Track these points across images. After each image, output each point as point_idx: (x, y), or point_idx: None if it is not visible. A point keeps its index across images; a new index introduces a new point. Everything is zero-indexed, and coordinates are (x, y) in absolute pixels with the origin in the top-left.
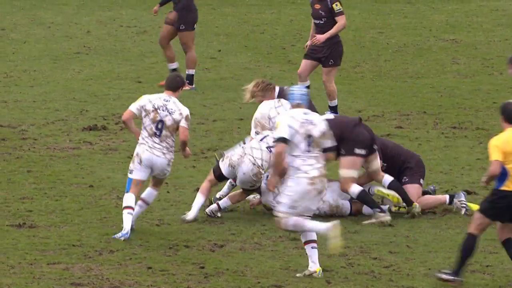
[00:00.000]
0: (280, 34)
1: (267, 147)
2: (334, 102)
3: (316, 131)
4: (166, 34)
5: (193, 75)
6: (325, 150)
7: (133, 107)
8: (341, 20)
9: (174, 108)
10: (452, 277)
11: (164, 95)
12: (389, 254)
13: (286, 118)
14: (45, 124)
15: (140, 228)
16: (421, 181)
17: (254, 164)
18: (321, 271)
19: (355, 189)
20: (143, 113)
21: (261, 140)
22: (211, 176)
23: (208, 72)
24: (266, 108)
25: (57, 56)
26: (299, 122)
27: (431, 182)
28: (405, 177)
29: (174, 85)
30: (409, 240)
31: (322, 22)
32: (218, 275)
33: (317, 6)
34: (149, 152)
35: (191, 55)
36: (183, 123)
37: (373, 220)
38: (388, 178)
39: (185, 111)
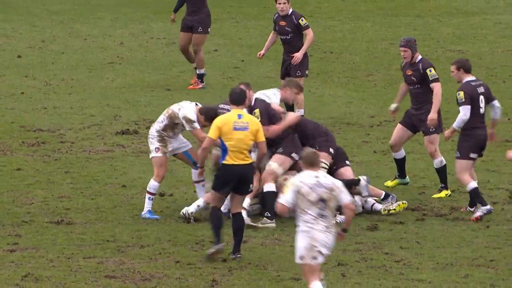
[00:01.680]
0: None
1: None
2: (302, 111)
3: None
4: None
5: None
6: None
7: None
8: (310, 34)
9: None
10: (216, 248)
11: None
12: (400, 249)
13: None
14: (81, 128)
15: (169, 225)
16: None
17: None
18: None
19: (269, 186)
20: None
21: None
22: None
23: (232, 80)
24: None
25: (93, 65)
26: None
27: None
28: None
29: None
30: (419, 237)
31: (288, 37)
32: (241, 268)
33: (283, 23)
34: None
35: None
36: None
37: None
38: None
39: None
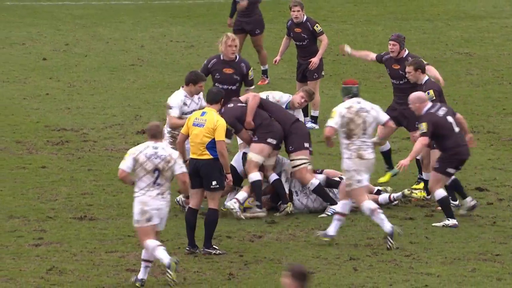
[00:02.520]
0: None
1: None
2: (317, 112)
3: None
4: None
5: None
6: None
7: None
8: (324, 39)
9: None
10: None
11: None
12: (410, 244)
13: None
14: (103, 128)
15: None
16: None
17: None
18: None
19: (254, 176)
20: None
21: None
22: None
23: None
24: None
25: (115, 67)
26: None
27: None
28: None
29: None
30: (428, 232)
31: (304, 43)
32: (257, 262)
33: (298, 30)
34: None
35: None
36: None
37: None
38: (274, 177)
39: None
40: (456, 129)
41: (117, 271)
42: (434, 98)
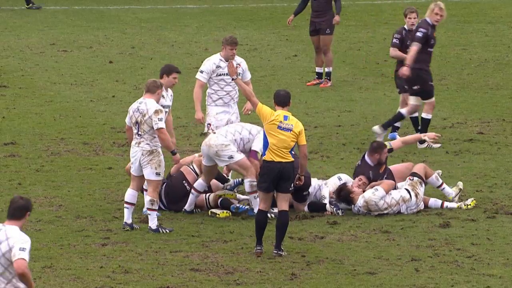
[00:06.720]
0: (374, 51)
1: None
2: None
3: None
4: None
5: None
6: None
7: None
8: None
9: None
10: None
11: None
12: (471, 245)
13: None
14: None
15: (250, 221)
16: None
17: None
18: None
19: None
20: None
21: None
22: None
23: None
24: None
25: None
26: None
27: (509, 182)
28: None
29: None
30: (489, 233)
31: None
32: (319, 263)
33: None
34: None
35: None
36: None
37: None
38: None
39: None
40: None
41: (182, 270)
42: None
